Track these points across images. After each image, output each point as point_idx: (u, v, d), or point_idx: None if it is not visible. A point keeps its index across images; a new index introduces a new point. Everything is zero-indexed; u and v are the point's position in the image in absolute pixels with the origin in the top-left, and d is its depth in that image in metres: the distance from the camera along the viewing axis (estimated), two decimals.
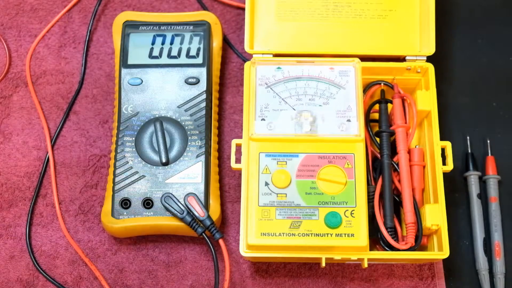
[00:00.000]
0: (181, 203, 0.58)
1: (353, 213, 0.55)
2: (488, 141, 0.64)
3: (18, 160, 0.65)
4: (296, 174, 0.56)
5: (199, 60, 0.63)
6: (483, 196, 0.63)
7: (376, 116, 0.62)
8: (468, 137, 0.64)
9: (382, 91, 0.62)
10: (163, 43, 0.63)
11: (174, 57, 0.63)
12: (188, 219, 0.57)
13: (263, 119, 0.58)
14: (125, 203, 0.59)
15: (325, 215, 0.54)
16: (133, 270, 0.60)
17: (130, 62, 0.63)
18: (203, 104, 0.61)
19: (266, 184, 0.56)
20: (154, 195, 0.58)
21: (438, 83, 0.61)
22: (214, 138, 0.62)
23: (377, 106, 0.62)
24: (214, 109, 0.63)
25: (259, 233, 0.54)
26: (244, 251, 0.55)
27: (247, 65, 0.60)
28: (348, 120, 0.58)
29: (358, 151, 0.57)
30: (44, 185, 0.64)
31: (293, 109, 0.58)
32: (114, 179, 0.59)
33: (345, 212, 0.55)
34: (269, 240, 0.54)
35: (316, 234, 0.54)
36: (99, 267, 0.61)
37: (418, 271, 0.60)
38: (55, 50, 0.69)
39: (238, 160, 0.58)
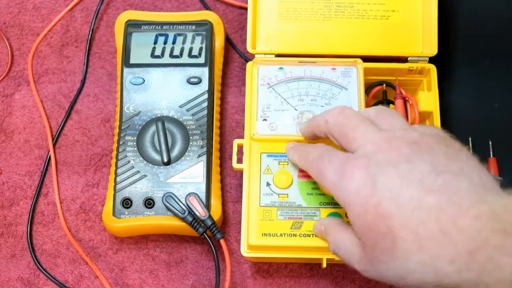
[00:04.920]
0: (182, 203, 0.58)
1: None
2: (490, 143, 0.64)
3: (19, 158, 0.65)
4: (298, 174, 0.56)
5: (201, 59, 0.63)
6: None
7: None
8: (470, 138, 0.64)
9: (384, 92, 0.62)
10: (165, 43, 0.63)
11: (176, 56, 0.63)
12: (189, 219, 0.57)
13: (265, 119, 0.58)
14: (127, 203, 0.59)
15: (326, 216, 0.54)
16: (134, 269, 0.60)
17: (132, 61, 0.63)
18: (205, 104, 0.61)
19: (268, 184, 0.56)
20: (155, 194, 0.59)
21: (440, 84, 0.61)
22: (215, 138, 0.62)
23: None
24: (216, 109, 0.63)
25: (260, 233, 0.54)
26: (245, 251, 0.55)
27: (249, 65, 0.60)
28: None
29: None
30: (45, 184, 0.64)
31: (295, 109, 0.58)
32: (115, 179, 0.59)
33: (346, 213, 0.54)
34: (270, 241, 0.54)
35: None
36: (100, 266, 0.61)
37: None
38: (57, 49, 0.69)
39: (239, 160, 0.58)
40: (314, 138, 0.53)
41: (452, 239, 0.38)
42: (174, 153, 0.60)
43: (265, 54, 0.62)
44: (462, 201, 0.39)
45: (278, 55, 0.61)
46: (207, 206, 0.58)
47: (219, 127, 0.63)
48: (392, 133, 0.44)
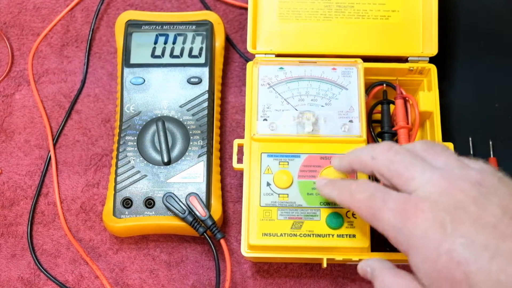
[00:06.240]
0: (182, 203, 0.58)
1: (354, 214, 0.54)
2: (491, 143, 0.64)
3: (20, 158, 0.65)
4: (298, 174, 0.56)
5: (202, 59, 0.63)
6: None
7: (378, 116, 0.62)
8: (470, 138, 0.64)
9: (384, 92, 0.62)
10: (165, 43, 0.64)
11: (177, 56, 0.63)
12: (190, 218, 0.57)
13: (265, 119, 0.58)
14: (127, 203, 0.59)
15: (327, 216, 0.54)
16: (134, 269, 0.60)
17: (132, 61, 0.63)
18: (205, 104, 0.61)
19: (268, 184, 0.56)
20: (155, 194, 0.59)
21: (440, 84, 0.61)
22: (216, 138, 0.62)
23: (379, 107, 0.62)
24: (216, 109, 0.63)
25: (260, 233, 0.54)
26: (245, 251, 0.55)
27: (249, 65, 0.60)
28: (350, 121, 0.58)
29: None
30: (45, 184, 0.64)
31: (295, 109, 0.58)
32: (115, 179, 0.59)
33: (346, 213, 0.54)
34: (271, 241, 0.54)
35: (318, 234, 0.54)
36: (100, 266, 0.61)
37: None
38: (57, 49, 0.69)
39: (240, 160, 0.58)
40: (349, 173, 0.51)
41: None
42: (175, 153, 0.60)
43: (265, 54, 0.62)
44: None
45: (278, 55, 0.62)
46: (208, 206, 0.58)
47: (219, 127, 0.63)
48: (451, 173, 0.42)
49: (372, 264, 0.47)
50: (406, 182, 0.43)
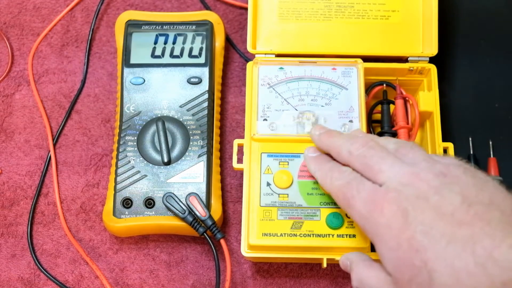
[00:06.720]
0: (182, 203, 0.58)
1: None
2: (491, 142, 0.64)
3: (20, 158, 0.65)
4: (298, 174, 0.56)
5: (202, 59, 0.63)
6: None
7: (378, 117, 0.62)
8: (470, 138, 0.64)
9: (384, 92, 0.62)
10: (165, 43, 0.64)
11: (177, 56, 0.63)
12: (190, 219, 0.57)
13: (265, 119, 0.58)
14: (127, 203, 0.59)
15: (327, 216, 0.54)
16: (134, 269, 0.60)
17: (132, 61, 0.63)
18: (205, 104, 0.61)
19: (268, 184, 0.56)
20: (155, 194, 0.59)
21: (440, 84, 0.61)
22: (216, 138, 0.62)
23: (379, 107, 0.62)
24: (216, 109, 0.63)
25: (260, 233, 0.54)
26: (245, 251, 0.55)
27: (249, 65, 0.60)
28: (350, 121, 0.58)
29: None
30: (45, 184, 0.64)
31: (295, 109, 0.58)
32: (115, 179, 0.59)
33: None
34: (271, 241, 0.54)
35: (318, 234, 0.54)
36: (100, 266, 0.61)
37: None
38: (57, 49, 0.69)
39: (240, 160, 0.58)
40: (328, 153, 0.53)
41: (488, 271, 0.37)
42: (175, 153, 0.60)
43: (265, 54, 0.62)
44: (495, 232, 0.38)
45: (278, 55, 0.62)
46: (208, 206, 0.58)
47: (219, 127, 0.63)
48: (418, 166, 0.44)
49: (350, 257, 0.49)
50: (376, 174, 0.45)
